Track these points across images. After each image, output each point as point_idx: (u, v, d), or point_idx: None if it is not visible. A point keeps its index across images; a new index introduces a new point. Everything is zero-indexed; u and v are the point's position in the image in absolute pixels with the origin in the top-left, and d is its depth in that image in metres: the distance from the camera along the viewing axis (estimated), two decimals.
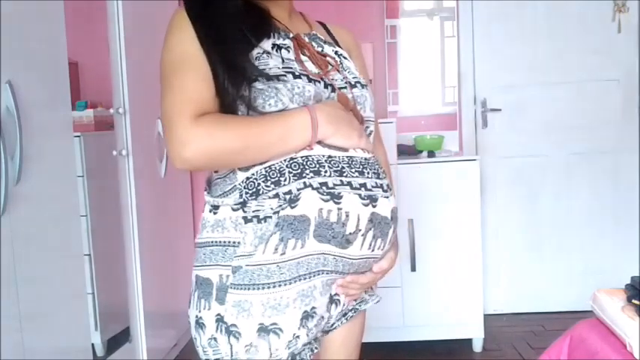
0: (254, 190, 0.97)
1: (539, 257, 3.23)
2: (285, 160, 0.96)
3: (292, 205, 0.94)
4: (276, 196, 0.95)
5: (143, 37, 2.41)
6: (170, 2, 2.42)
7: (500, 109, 3.19)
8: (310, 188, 0.94)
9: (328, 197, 0.95)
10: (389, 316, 2.72)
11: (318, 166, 0.96)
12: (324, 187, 0.95)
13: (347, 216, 0.95)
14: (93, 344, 2.15)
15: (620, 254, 3.15)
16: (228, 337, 0.96)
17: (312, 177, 0.95)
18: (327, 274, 0.98)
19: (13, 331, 1.55)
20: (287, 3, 1.11)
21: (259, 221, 0.96)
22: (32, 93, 1.66)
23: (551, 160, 3.21)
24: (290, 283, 0.95)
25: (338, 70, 1.08)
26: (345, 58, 1.13)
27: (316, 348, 1.10)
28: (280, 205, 0.95)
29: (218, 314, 0.97)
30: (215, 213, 1.01)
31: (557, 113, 3.19)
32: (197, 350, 1.03)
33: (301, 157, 0.96)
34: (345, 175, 0.97)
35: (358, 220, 0.96)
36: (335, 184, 0.96)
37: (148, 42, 2.42)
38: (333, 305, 1.04)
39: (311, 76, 1.01)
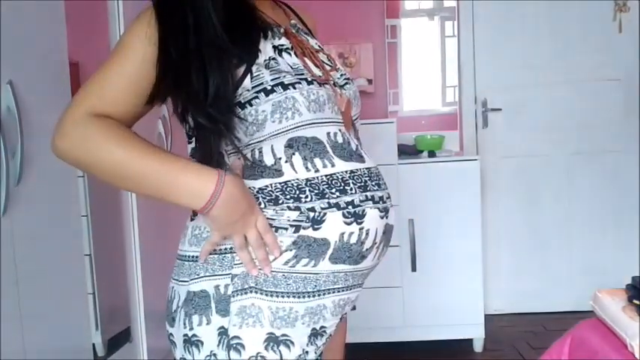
0: (272, 198, 0.91)
1: (540, 257, 3.23)
2: (302, 180, 0.91)
3: (315, 227, 0.90)
4: (298, 209, 0.90)
5: None
6: None
7: (500, 109, 3.19)
8: (336, 209, 0.91)
9: (352, 219, 0.91)
10: (389, 316, 2.72)
11: (343, 184, 0.92)
12: (349, 207, 0.91)
13: (367, 234, 0.94)
14: (94, 344, 2.14)
15: (620, 254, 3.14)
16: (228, 352, 0.89)
17: (338, 196, 0.91)
18: (338, 292, 0.94)
19: (13, 331, 1.55)
20: None
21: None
22: (33, 93, 1.66)
23: (552, 160, 3.21)
24: (297, 297, 0.90)
25: (336, 69, 1.05)
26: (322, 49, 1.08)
27: None
28: (301, 221, 0.90)
29: (221, 327, 0.90)
30: None
31: (558, 113, 3.19)
32: None
33: (325, 176, 0.91)
34: (368, 189, 0.95)
35: (376, 234, 0.95)
36: (361, 201, 0.93)
37: None
38: (340, 322, 1.01)
39: (319, 81, 0.95)
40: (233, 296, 0.90)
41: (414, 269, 2.69)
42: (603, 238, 3.20)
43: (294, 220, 0.90)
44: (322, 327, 0.94)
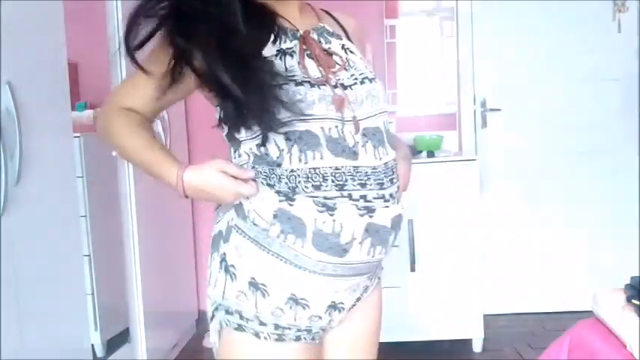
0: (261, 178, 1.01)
1: (539, 257, 3.23)
2: (286, 170, 0.97)
3: (290, 203, 0.96)
4: (272, 189, 0.99)
5: None
6: None
7: (499, 109, 3.19)
8: (305, 195, 0.96)
9: (323, 208, 0.96)
10: (389, 317, 2.68)
11: (321, 180, 0.97)
12: (320, 198, 0.96)
13: (341, 227, 0.97)
14: (93, 345, 2.15)
15: (619, 254, 3.14)
16: (226, 276, 1.01)
17: (311, 191, 0.96)
18: (325, 276, 0.99)
19: (13, 331, 1.55)
20: (296, 2, 1.09)
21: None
22: (32, 94, 1.66)
23: (551, 160, 3.21)
24: (280, 260, 0.97)
25: (345, 69, 1.06)
26: (351, 52, 1.11)
27: (312, 340, 1.03)
28: (279, 200, 0.97)
29: (223, 253, 1.01)
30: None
31: (557, 113, 3.19)
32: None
33: (309, 169, 0.97)
34: (345, 188, 0.98)
35: (354, 230, 0.98)
36: (333, 196, 0.97)
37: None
38: (336, 311, 1.04)
39: (313, 82, 0.99)
40: (235, 229, 1.00)
41: (413, 269, 2.69)
42: (602, 238, 3.20)
43: (276, 202, 0.98)
44: (303, 298, 0.99)
